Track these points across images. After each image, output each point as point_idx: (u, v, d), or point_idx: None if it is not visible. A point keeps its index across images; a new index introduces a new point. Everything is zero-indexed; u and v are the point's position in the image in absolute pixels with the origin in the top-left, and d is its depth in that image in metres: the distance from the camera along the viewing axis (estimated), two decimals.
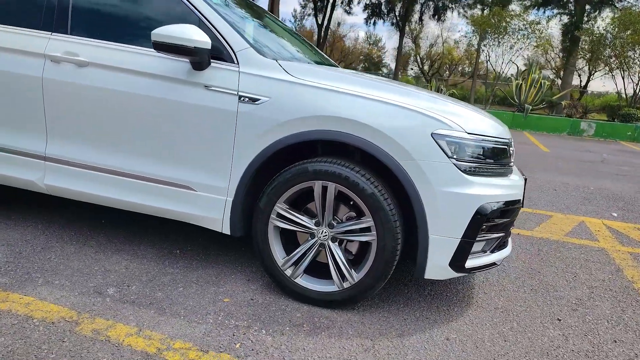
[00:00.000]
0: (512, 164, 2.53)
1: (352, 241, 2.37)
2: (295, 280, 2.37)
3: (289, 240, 2.47)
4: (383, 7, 31.09)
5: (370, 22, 31.76)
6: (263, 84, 2.33)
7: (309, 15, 32.60)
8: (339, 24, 42.00)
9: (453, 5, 29.50)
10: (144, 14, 2.62)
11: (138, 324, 2.06)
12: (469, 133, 2.20)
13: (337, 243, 2.33)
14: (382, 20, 31.62)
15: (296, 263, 2.38)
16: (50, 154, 2.67)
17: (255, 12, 3.29)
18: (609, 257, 3.52)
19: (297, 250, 2.37)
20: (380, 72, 43.20)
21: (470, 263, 2.26)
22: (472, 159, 2.20)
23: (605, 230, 4.25)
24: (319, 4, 30.39)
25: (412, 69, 43.13)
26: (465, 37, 23.63)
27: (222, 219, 2.44)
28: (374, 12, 31.46)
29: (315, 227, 2.34)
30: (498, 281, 2.90)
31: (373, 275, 2.25)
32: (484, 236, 2.27)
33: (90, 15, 2.66)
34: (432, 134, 2.15)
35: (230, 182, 2.39)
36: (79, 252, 2.74)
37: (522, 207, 2.76)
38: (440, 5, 29.88)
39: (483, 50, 21.62)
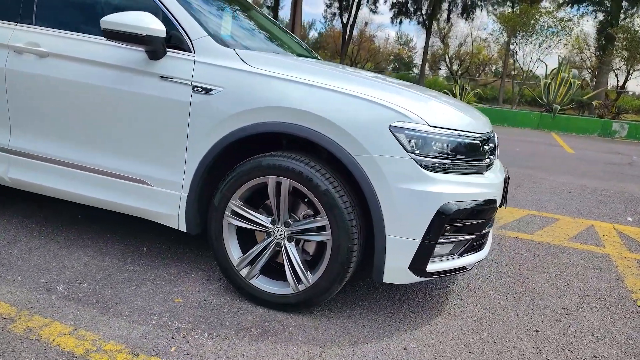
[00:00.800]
0: (488, 160, 2.34)
1: (309, 241, 2.23)
2: (250, 281, 2.24)
3: (248, 239, 2.35)
4: (409, 5, 30.63)
5: (396, 21, 31.38)
6: (218, 74, 2.22)
7: (334, 14, 32.42)
8: (366, 23, 41.71)
9: (482, 3, 28.82)
10: (105, 3, 2.55)
11: (75, 323, 1.98)
12: (432, 126, 2.03)
13: (293, 243, 2.20)
14: (408, 19, 31.16)
15: (251, 263, 2.26)
16: (13, 146, 2.62)
17: (238, 4, 3.19)
18: (612, 264, 3.25)
19: (252, 250, 2.25)
20: (410, 72, 42.50)
21: (433, 267, 2.09)
22: (435, 154, 2.03)
23: (614, 235, 3.96)
24: (344, 3, 30.22)
25: (440, 69, 42.42)
26: (492, 35, 22.98)
27: (177, 216, 2.34)
28: (400, 11, 31.07)
29: (271, 226, 2.21)
30: (480, 287, 2.70)
31: (327, 277, 2.10)
32: (449, 238, 2.09)
33: (55, 5, 2.61)
34: (390, 127, 1.98)
35: (184, 177, 2.29)
36: (43, 248, 2.69)
37: (504, 207, 2.56)
38: (469, 3, 29.26)
39: (511, 49, 21.00)
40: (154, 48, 2.26)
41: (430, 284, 2.67)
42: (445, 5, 30.54)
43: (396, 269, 2.05)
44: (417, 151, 1.99)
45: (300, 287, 2.16)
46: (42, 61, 2.50)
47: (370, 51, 43.07)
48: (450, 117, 2.14)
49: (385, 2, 31.51)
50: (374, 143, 1.98)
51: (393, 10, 31.16)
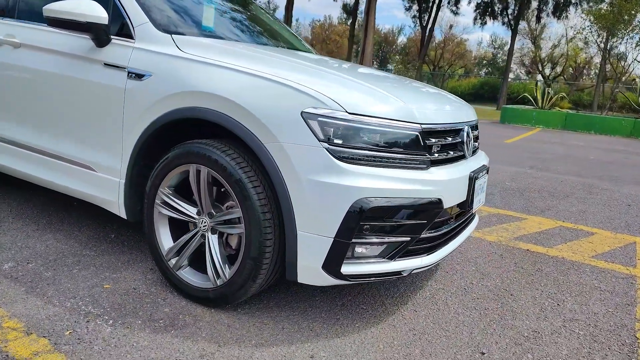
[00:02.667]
0: (445, 155, 2.08)
1: (232, 234, 2.11)
2: (176, 272, 2.18)
3: (185, 230, 2.29)
4: (495, 5, 29.04)
5: (479, 22, 29.91)
6: (150, 60, 2.19)
7: (413, 17, 31.64)
8: (450, 26, 40.35)
9: (577, 0, 26.50)
10: None
11: None
12: (351, 113, 1.83)
13: (217, 235, 2.10)
14: (493, 20, 29.58)
15: (179, 254, 2.19)
16: None
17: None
18: (632, 288, 2.77)
19: (178, 241, 2.18)
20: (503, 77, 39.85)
21: (351, 269, 1.88)
22: (354, 144, 1.83)
23: None
24: (423, 5, 29.41)
25: (529, 72, 39.79)
26: (580, 33, 20.93)
27: (117, 202, 2.34)
28: (484, 12, 29.58)
29: (196, 217, 2.13)
30: (446, 300, 2.41)
31: (241, 273, 1.97)
32: (370, 238, 1.87)
33: (31, 1, 2.75)
34: (302, 113, 1.82)
35: (122, 163, 2.28)
36: (21, 229, 2.83)
37: (470, 209, 2.27)
38: (562, 1, 27.07)
39: (604, 49, 19.11)
40: (96, 35, 2.28)
41: (388, 292, 2.43)
42: (534, 4, 28.58)
43: (309, 268, 1.88)
44: (331, 140, 1.80)
45: (219, 282, 2.05)
46: (15, 51, 2.64)
47: (455, 54, 41.55)
48: (380, 104, 1.92)
49: (469, 2, 30.09)
50: (284, 130, 1.83)
51: (477, 11, 29.77)
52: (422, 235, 2.01)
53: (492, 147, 9.27)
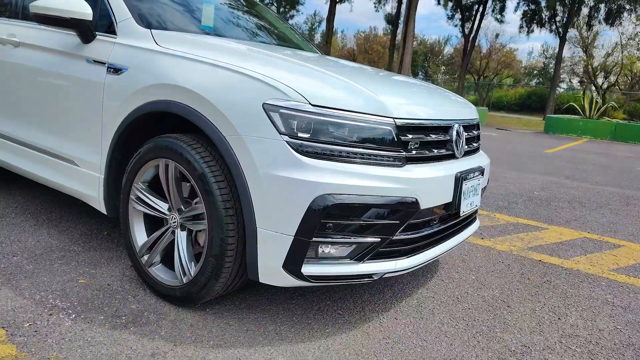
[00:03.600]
0: (417, 153, 1.94)
1: (200, 231, 2.05)
2: (148, 269, 2.14)
3: (158, 227, 2.25)
4: (542, 13, 28.02)
5: (525, 31, 28.92)
6: (127, 54, 2.18)
7: (455, 25, 30.96)
8: (497, 35, 39.35)
9: (632, 6, 25.15)
10: None
11: None
12: (314, 105, 1.74)
13: (186, 231, 2.04)
14: (540, 28, 28.52)
15: (150, 250, 2.15)
16: None
17: None
18: None
19: (150, 237, 2.15)
20: (559, 87, 38.14)
21: (313, 270, 1.77)
22: (317, 138, 1.73)
23: None
24: (466, 13, 28.79)
25: (582, 82, 38.10)
26: (633, 39, 19.72)
27: (98, 198, 2.34)
28: (531, 19, 28.59)
29: (168, 213, 2.09)
30: (434, 309, 2.26)
31: (204, 272, 1.90)
32: (335, 237, 1.76)
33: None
34: (263, 104, 1.74)
35: (102, 158, 2.28)
36: (19, 224, 2.89)
37: (457, 211, 2.11)
38: (614, 7, 25.78)
39: None
40: (81, 31, 2.30)
41: (373, 297, 2.30)
42: (585, 11, 27.39)
43: (270, 267, 1.78)
44: (293, 133, 1.71)
45: (185, 280, 1.99)
46: (15, 50, 2.72)
47: (501, 64, 40.45)
48: (348, 96, 1.82)
49: (515, 10, 29.17)
50: (244, 122, 1.76)
51: (524, 19, 28.80)
52: (396, 237, 1.88)
53: (528, 157, 8.87)
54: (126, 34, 2.26)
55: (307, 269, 1.76)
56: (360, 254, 1.82)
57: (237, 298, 2.18)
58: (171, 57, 2.03)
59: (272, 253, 1.76)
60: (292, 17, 34.15)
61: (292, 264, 1.75)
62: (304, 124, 1.72)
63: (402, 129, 1.88)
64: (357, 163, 1.77)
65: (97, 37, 2.33)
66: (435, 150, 2.07)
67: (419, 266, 2.02)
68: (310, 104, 1.74)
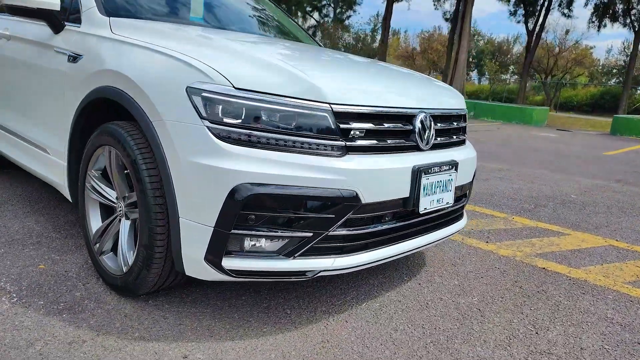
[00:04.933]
0: (363, 142, 1.79)
1: None
2: (98, 257, 2.12)
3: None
4: (615, 6, 25.95)
5: (595, 25, 26.87)
6: (84, 42, 2.19)
7: (518, 22, 29.35)
8: (567, 31, 37.08)
9: None
10: None
11: None
12: (238, 88, 1.63)
13: (130, 220, 2.01)
14: (612, 23, 26.40)
15: (100, 239, 2.14)
16: None
17: None
18: None
19: (100, 225, 2.13)
20: (635, 87, 35.08)
21: (235, 263, 1.67)
22: (241, 123, 1.62)
23: None
24: (529, 8, 27.24)
25: None
26: None
27: (64, 185, 2.37)
28: (604, 13, 26.58)
29: (116, 201, 2.06)
30: (395, 314, 2.08)
31: (137, 262, 1.85)
32: (260, 231, 1.65)
33: None
34: (187, 88, 1.66)
35: (65, 145, 2.30)
36: (15, 211, 2.99)
37: (415, 209, 1.93)
38: None
39: None
40: (51, 21, 2.33)
41: (334, 297, 2.15)
42: None
43: (193, 259, 1.70)
44: (214, 118, 1.62)
45: (124, 270, 1.96)
46: (7, 43, 2.82)
47: (571, 62, 38.08)
48: (277, 79, 1.70)
49: (585, 4, 27.15)
50: (169, 107, 1.69)
51: (595, 13, 26.82)
52: (335, 233, 1.73)
53: (581, 158, 8.22)
54: (88, 22, 2.26)
55: (229, 263, 1.66)
56: (291, 249, 1.70)
57: (187, 291, 2.12)
58: (116, 43, 2.01)
59: (194, 244, 1.68)
60: (348, 17, 34.04)
61: (213, 257, 1.66)
62: (227, 108, 1.62)
63: (342, 116, 1.73)
64: (285, 151, 1.64)
65: (66, 27, 2.36)
66: (391, 141, 1.89)
67: (365, 266, 1.86)
68: (234, 87, 1.63)
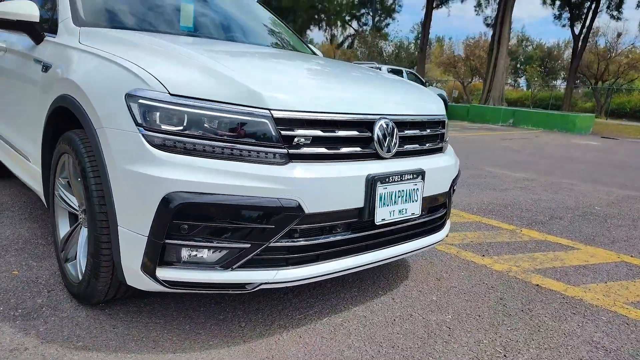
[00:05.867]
0: (309, 150, 1.72)
1: None
2: (63, 265, 2.15)
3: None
4: None
5: None
6: (54, 52, 2.24)
7: (563, 26, 28.12)
8: (619, 34, 35.34)
9: None
10: None
11: None
12: (173, 95, 1.61)
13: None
14: None
15: (66, 245, 2.16)
16: None
17: None
18: None
19: (65, 233, 2.15)
20: None
21: (170, 274, 1.63)
22: (175, 130, 1.59)
23: None
24: (575, 11, 26.11)
25: None
26: None
27: (41, 192, 2.42)
28: None
29: (78, 209, 2.08)
30: (355, 330, 1.98)
31: (86, 270, 1.86)
32: (195, 241, 1.60)
33: None
34: (126, 95, 1.65)
35: (39, 152, 2.35)
36: (13, 217, 3.09)
37: (370, 219, 1.84)
38: None
39: None
40: (31, 33, 2.41)
41: (296, 310, 2.08)
42: None
43: (132, 269, 1.68)
44: (149, 125, 1.60)
45: (80, 277, 1.96)
46: (4, 55, 2.94)
47: (624, 66, 36.23)
48: (214, 85, 1.66)
49: (637, 6, 25.74)
50: (109, 114, 1.69)
51: None
52: (277, 244, 1.67)
53: (621, 168, 7.75)
54: (63, 32, 2.32)
55: (164, 273, 1.62)
56: (229, 261, 1.64)
57: (148, 301, 2.10)
58: (77, 52, 2.04)
59: (132, 254, 1.65)
60: (387, 25, 33.86)
61: (147, 267, 1.63)
62: (161, 115, 1.60)
63: (284, 123, 1.67)
64: (222, 159, 1.60)
65: (45, 37, 2.42)
66: (345, 149, 1.82)
67: (313, 279, 1.78)
68: (169, 93, 1.61)
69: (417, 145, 2.12)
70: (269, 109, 1.65)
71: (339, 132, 1.80)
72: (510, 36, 19.88)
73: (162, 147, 1.58)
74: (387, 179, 1.86)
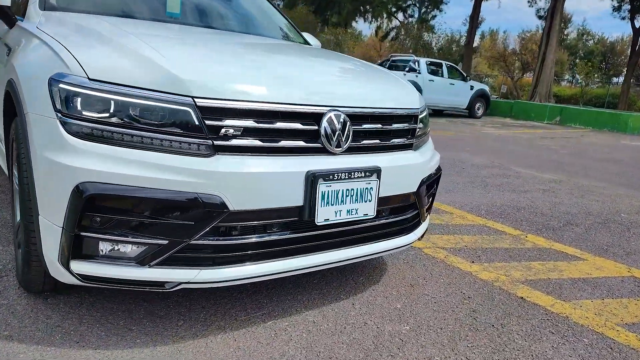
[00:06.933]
0: (240, 142, 1.60)
1: None
2: (16, 250, 2.13)
3: None
4: None
5: None
6: (18, 36, 2.21)
7: (623, 18, 26.24)
8: None
9: None
10: None
11: None
12: (92, 79, 1.53)
13: None
14: None
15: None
16: None
17: None
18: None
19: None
20: None
21: (86, 268, 1.56)
22: (92, 117, 1.51)
23: None
24: (636, 3, 24.28)
25: None
26: None
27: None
28: None
29: None
30: (294, 338, 1.85)
31: (20, 259, 1.82)
32: (112, 235, 1.53)
33: None
34: (49, 79, 1.58)
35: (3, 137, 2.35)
36: (9, 202, 3.17)
37: (311, 218, 1.71)
38: None
39: None
40: (4, 17, 2.40)
41: (240, 311, 1.97)
42: None
43: (51, 260, 1.62)
44: (66, 111, 1.53)
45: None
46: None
47: None
48: (135, 70, 1.56)
49: None
50: (32, 99, 1.64)
51: None
52: (199, 242, 1.57)
53: None
54: (30, 17, 2.29)
55: (78, 267, 1.55)
56: (146, 257, 1.55)
57: (95, 292, 2.04)
58: (29, 35, 2.00)
59: (51, 245, 1.60)
60: (434, 17, 32.94)
61: (63, 260, 1.56)
62: (80, 101, 1.52)
63: (209, 111, 1.56)
64: (141, 149, 1.51)
65: (17, 22, 2.40)
66: (285, 142, 1.68)
67: (242, 281, 1.67)
68: (88, 78, 1.53)
69: (377, 141, 1.95)
70: (192, 97, 1.54)
71: (277, 123, 1.67)
72: (570, 29, 18.83)
73: (79, 134, 1.51)
74: (331, 176, 1.71)
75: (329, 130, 1.75)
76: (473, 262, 2.79)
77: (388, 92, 2.09)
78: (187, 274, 1.58)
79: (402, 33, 32.26)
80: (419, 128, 2.18)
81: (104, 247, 1.55)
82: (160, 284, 1.58)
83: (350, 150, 1.84)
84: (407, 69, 14.18)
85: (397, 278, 2.48)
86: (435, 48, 34.05)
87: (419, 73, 14.14)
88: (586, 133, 13.43)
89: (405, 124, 2.08)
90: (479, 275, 2.59)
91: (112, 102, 1.51)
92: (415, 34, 29.80)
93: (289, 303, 2.11)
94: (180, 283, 1.59)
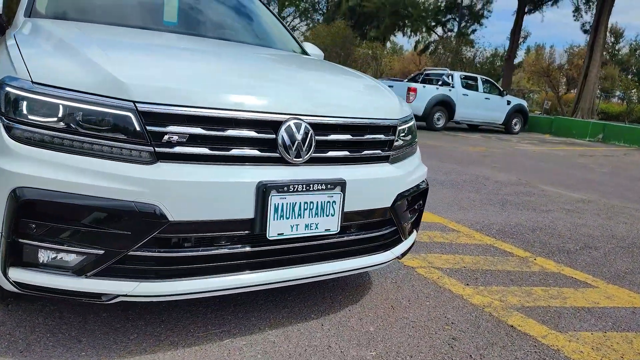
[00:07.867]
0: (184, 150, 1.53)
1: None
2: None
3: None
4: None
5: None
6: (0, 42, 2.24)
7: None
8: None
9: None
10: None
11: None
12: (35, 83, 1.50)
13: None
14: None
15: None
16: None
17: None
18: None
19: None
20: None
21: (23, 276, 1.51)
22: (33, 121, 1.48)
23: None
24: None
25: None
26: None
27: None
28: None
29: None
30: (252, 357, 1.75)
31: None
32: (49, 243, 1.48)
33: None
34: (1, 83, 1.57)
35: None
36: None
37: (264, 233, 1.62)
38: None
39: None
40: None
41: (208, 325, 1.89)
42: None
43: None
44: (9, 114, 1.50)
45: None
46: None
47: None
48: (77, 73, 1.53)
49: None
50: None
51: None
52: (139, 253, 1.50)
53: None
54: (15, 24, 2.32)
55: (16, 275, 1.51)
56: (82, 268, 1.50)
57: (57, 300, 2.01)
58: (2, 42, 2.01)
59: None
60: (473, 32, 32.41)
61: (1, 266, 1.52)
62: (24, 105, 1.49)
63: (152, 117, 1.50)
64: (81, 155, 1.47)
65: (8, 29, 2.45)
66: (237, 150, 1.60)
67: (184, 296, 1.59)
68: (31, 81, 1.50)
69: (346, 153, 1.84)
70: (133, 101, 1.48)
71: (228, 131, 1.59)
72: (622, 44, 18.08)
73: (20, 138, 1.47)
74: (285, 188, 1.61)
75: (287, 140, 1.66)
76: (467, 284, 2.61)
77: (363, 102, 1.98)
78: (124, 287, 1.51)
79: (441, 47, 31.88)
80: (400, 139, 2.06)
81: (43, 256, 1.51)
82: (97, 295, 1.52)
83: (313, 161, 1.73)
84: (440, 82, 13.91)
85: (380, 298, 2.33)
86: (478, 64, 33.43)
87: (453, 87, 13.84)
88: (630, 151, 12.73)
89: (380, 135, 1.95)
90: (470, 299, 2.41)
91: (53, 106, 1.47)
92: (453, 47, 29.36)
93: (254, 321, 2.01)
94: (118, 296, 1.52)
